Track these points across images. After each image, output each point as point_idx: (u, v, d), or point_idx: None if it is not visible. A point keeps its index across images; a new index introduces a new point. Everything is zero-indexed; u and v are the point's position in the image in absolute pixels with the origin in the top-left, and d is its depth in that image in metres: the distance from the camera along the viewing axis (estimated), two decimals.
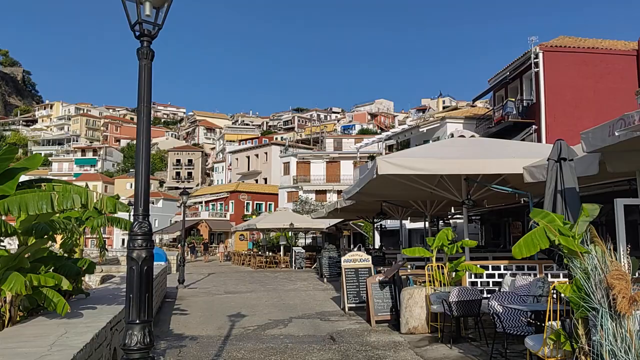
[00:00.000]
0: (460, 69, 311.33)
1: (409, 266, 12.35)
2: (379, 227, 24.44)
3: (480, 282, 9.66)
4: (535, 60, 24.01)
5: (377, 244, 29.06)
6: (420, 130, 30.44)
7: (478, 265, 9.49)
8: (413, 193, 14.94)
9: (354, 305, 12.28)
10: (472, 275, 9.65)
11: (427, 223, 18.02)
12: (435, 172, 9.94)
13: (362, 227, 33.62)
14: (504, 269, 9.71)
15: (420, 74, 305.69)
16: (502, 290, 9.22)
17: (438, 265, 9.37)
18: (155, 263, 18.01)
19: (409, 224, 27.50)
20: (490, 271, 9.69)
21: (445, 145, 11.76)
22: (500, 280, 9.68)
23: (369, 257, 12.68)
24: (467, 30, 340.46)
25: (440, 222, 27.68)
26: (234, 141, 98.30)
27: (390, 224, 28.65)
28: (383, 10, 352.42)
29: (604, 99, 24.42)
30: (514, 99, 24.90)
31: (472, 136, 12.77)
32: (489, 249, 20.41)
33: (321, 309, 13.08)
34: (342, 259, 12.68)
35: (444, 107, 55.68)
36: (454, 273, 9.44)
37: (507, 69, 26.07)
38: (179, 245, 47.87)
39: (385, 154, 41.50)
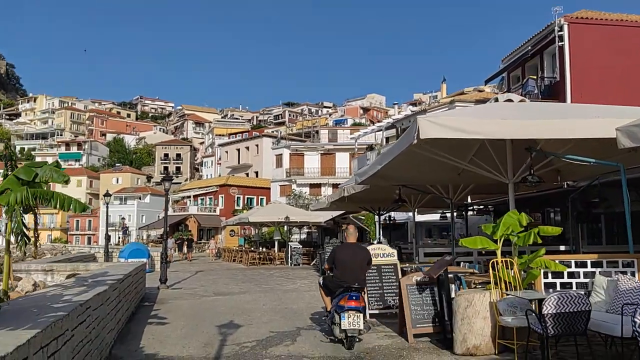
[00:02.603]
0: (451, 64, 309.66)
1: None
2: (387, 219, 21.86)
3: (560, 283, 7.16)
4: (559, 33, 21.57)
5: (380, 239, 26.60)
6: (428, 115, 27.88)
7: (557, 261, 6.97)
8: (433, 175, 12.48)
9: (376, 311, 9.76)
10: (549, 275, 7.15)
11: (450, 213, 15.43)
12: (497, 137, 7.40)
13: (363, 220, 31.10)
14: (592, 266, 7.21)
15: (411, 70, 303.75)
16: (594, 295, 6.72)
17: (504, 262, 6.85)
18: (134, 260, 15.34)
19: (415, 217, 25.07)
20: (573, 269, 7.19)
21: (495, 109, 9.22)
22: (585, 281, 7.18)
23: (394, 251, 10.15)
24: (459, 25, 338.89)
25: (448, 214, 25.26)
26: (223, 135, 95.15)
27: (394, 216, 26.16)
28: (375, 2, 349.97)
29: (634, 77, 22.10)
30: (535, 77, 22.45)
31: (522, 100, 10.25)
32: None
33: None
34: None
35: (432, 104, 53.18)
36: (525, 272, 6.93)
37: (526, 44, 23.61)
38: (172, 240, 45.17)
39: (387, 144, 38.97)
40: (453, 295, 7.45)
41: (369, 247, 10.37)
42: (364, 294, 7.82)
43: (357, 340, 7.47)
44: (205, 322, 9.98)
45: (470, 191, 14.99)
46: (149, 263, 24.33)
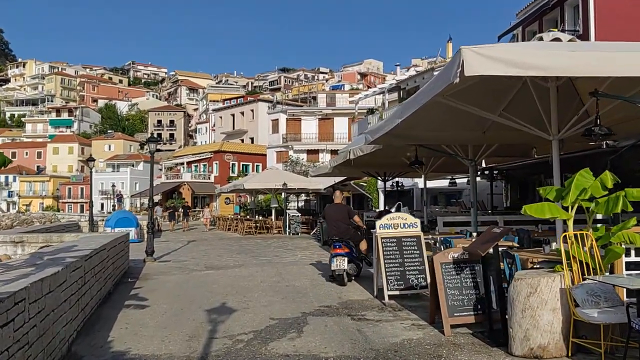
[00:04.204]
0: (454, 26, 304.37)
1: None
2: (394, 185, 20.24)
3: None
4: None
5: (382, 206, 25.06)
6: (435, 74, 26.00)
7: None
8: (453, 134, 10.80)
9: (396, 292, 8.19)
10: (633, 252, 5.54)
11: (471, 177, 13.73)
12: (568, 74, 5.76)
13: (365, 187, 29.51)
14: None
15: (409, 35, 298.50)
16: None
17: (578, 235, 5.22)
18: (121, 229, 13.65)
19: (419, 183, 23.45)
20: None
21: (545, 47, 7.48)
22: None
23: (417, 220, 8.53)
24: None
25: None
26: (217, 101, 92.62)
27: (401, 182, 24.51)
28: None
29: None
30: (556, 30, 20.56)
31: (571, 40, 8.48)
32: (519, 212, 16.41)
33: (345, 296, 8.93)
34: (377, 223, 8.53)
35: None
36: (603, 248, 5.32)
37: None
38: (161, 208, 43.46)
39: (389, 106, 37.11)
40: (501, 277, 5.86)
41: (387, 216, 8.79)
42: (352, 243, 10.35)
43: (346, 278, 9.91)
44: (193, 305, 8.41)
45: (490, 154, 13.40)
46: (137, 232, 22.79)
